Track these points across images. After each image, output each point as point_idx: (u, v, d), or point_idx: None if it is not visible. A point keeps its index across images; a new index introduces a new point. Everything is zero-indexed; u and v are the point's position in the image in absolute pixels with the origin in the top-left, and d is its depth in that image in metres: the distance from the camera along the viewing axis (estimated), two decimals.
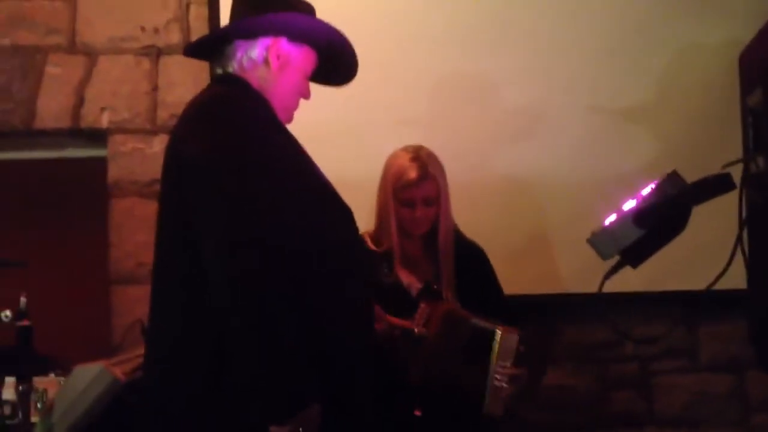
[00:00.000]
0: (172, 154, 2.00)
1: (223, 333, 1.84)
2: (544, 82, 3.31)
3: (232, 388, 1.84)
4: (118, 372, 2.25)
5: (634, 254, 1.58)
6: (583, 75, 3.31)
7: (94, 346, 3.20)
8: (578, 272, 3.21)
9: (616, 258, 1.68)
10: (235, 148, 1.90)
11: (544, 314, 3.31)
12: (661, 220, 1.54)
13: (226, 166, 1.87)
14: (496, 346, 2.47)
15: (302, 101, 2.20)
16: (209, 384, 1.87)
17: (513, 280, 3.02)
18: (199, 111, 2.02)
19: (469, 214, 2.88)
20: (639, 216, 1.55)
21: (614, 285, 3.12)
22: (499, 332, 2.47)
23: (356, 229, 2.13)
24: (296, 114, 2.21)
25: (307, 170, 2.05)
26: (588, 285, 2.85)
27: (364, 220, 2.70)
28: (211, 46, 2.16)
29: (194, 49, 2.23)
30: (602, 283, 1.62)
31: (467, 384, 2.48)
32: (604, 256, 1.66)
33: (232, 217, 1.84)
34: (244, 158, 1.89)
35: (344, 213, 2.08)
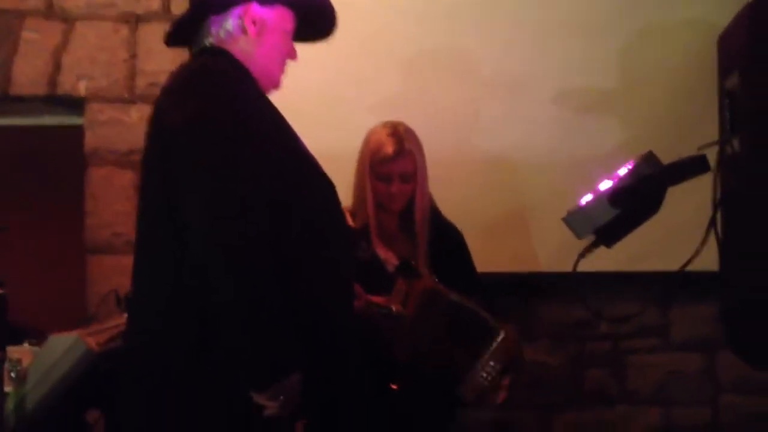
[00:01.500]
0: (154, 125, 1.99)
1: (205, 304, 1.84)
2: (525, 60, 3.31)
3: (214, 358, 1.85)
4: (93, 342, 2.24)
5: (608, 234, 1.60)
6: (563, 54, 3.31)
7: (69, 315, 3.18)
8: (554, 251, 3.23)
9: (591, 237, 1.69)
10: (216, 118, 1.89)
11: (520, 293, 3.33)
12: (636, 201, 1.55)
13: (208, 137, 1.87)
14: (494, 345, 2.50)
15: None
16: (192, 355, 1.88)
17: (490, 258, 3.04)
18: (180, 82, 2.01)
19: (446, 191, 2.88)
20: (614, 196, 1.56)
21: (589, 264, 3.17)
22: (503, 333, 2.50)
23: (338, 201, 2.13)
24: (281, 79, 2.18)
25: (289, 141, 2.04)
26: (564, 264, 2.85)
27: (342, 195, 2.71)
28: (188, 30, 2.13)
29: (173, 37, 2.19)
30: (577, 262, 1.63)
31: (445, 362, 2.50)
32: (579, 235, 1.67)
33: (213, 188, 1.83)
34: (226, 128, 1.88)
35: (326, 185, 2.09)
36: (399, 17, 3.32)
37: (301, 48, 2.22)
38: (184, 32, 2.15)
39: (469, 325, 2.51)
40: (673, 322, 3.40)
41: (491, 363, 2.49)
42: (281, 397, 1.83)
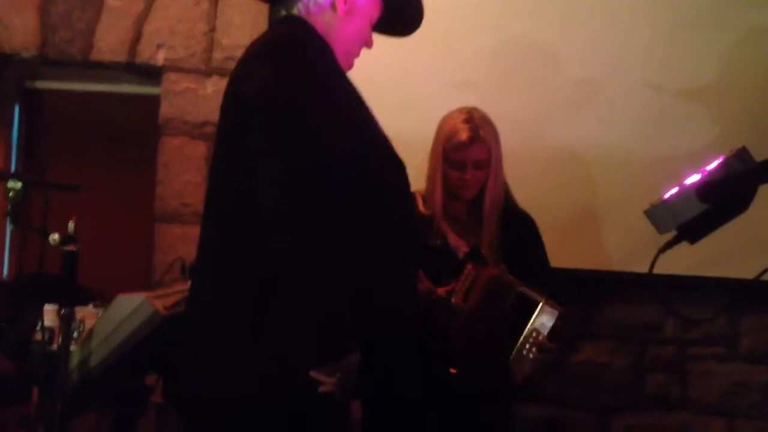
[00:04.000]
0: (231, 92, 1.97)
1: (272, 277, 1.83)
2: (607, 56, 3.25)
3: (273, 329, 1.83)
4: (159, 305, 2.25)
5: (693, 230, 1.54)
6: (646, 50, 3.24)
7: (135, 281, 3.22)
8: (626, 250, 3.17)
9: (672, 233, 1.64)
10: (296, 87, 1.87)
11: (587, 290, 3.27)
12: (726, 196, 1.49)
13: (287, 104, 1.85)
14: (534, 315, 2.43)
15: (364, 51, 2.17)
16: (253, 327, 1.86)
17: (561, 253, 2.99)
18: (261, 50, 2.00)
19: (521, 182, 2.83)
20: (703, 190, 1.50)
21: (662, 266, 3.13)
22: (541, 302, 2.43)
23: (408, 183, 2.11)
24: (354, 71, 2.18)
25: (366, 118, 2.03)
26: (635, 264, 2.84)
27: (414, 181, 2.68)
28: None
29: None
30: (655, 258, 1.57)
31: (503, 348, 2.45)
32: (661, 230, 1.61)
33: (291, 154, 1.82)
34: (306, 97, 1.86)
35: (399, 166, 2.06)
36: (484, 7, 3.29)
37: None
38: None
39: (521, 310, 2.46)
40: (743, 332, 3.31)
41: (534, 333, 2.42)
42: (338, 375, 1.81)
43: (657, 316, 3.29)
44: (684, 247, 3.06)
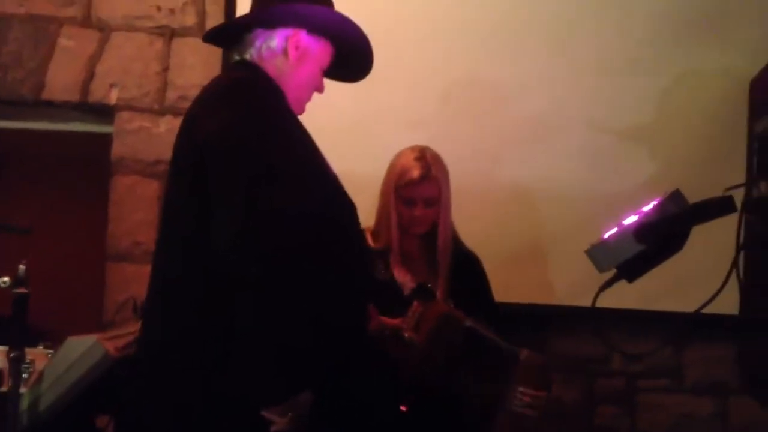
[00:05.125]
0: (188, 132, 2.00)
1: (223, 312, 1.85)
2: (555, 94, 3.34)
3: (226, 372, 1.85)
4: (111, 347, 2.25)
5: (631, 269, 1.60)
6: (593, 90, 3.34)
7: (86, 321, 3.20)
8: (572, 285, 3.23)
9: (612, 272, 1.70)
10: (253, 127, 1.91)
11: (535, 324, 3.33)
12: (661, 237, 1.56)
13: (245, 144, 1.88)
14: (517, 369, 2.48)
15: (315, 95, 2.22)
16: (203, 367, 1.88)
17: (508, 289, 3.05)
18: (217, 92, 2.03)
19: (469, 220, 2.90)
20: (639, 231, 1.56)
21: (606, 301, 3.20)
22: (524, 354, 2.48)
23: (358, 221, 2.15)
24: (306, 107, 2.23)
25: (317, 159, 2.07)
26: (580, 298, 2.90)
27: (366, 218, 2.73)
28: (230, 33, 2.17)
29: (213, 36, 2.24)
30: (596, 296, 1.63)
31: (458, 388, 2.49)
32: (600, 269, 1.67)
33: (248, 193, 1.84)
34: (262, 138, 1.90)
35: (348, 204, 2.10)
36: (432, 46, 3.36)
37: None
38: (225, 35, 2.19)
39: (483, 352, 2.50)
40: (687, 364, 3.38)
41: (520, 389, 2.47)
42: (290, 414, 1.83)
43: (604, 350, 3.35)
44: (626, 283, 3.17)
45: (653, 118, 3.32)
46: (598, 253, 1.62)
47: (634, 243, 1.57)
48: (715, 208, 1.55)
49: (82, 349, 2.23)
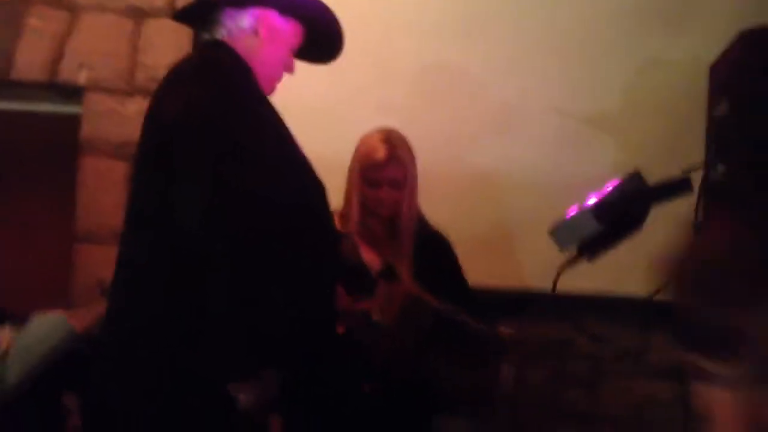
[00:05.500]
0: (153, 112, 2.00)
1: (189, 294, 1.85)
2: (523, 80, 3.36)
3: (192, 344, 1.86)
4: (77, 324, 2.25)
5: (591, 248, 1.63)
6: (560, 76, 3.36)
7: (54, 302, 3.18)
8: (540, 269, 3.23)
9: (574, 251, 1.72)
10: (219, 107, 1.91)
11: (501, 307, 3.35)
12: (620, 216, 1.58)
13: (210, 124, 1.88)
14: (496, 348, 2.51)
15: (285, 76, 2.23)
16: (169, 345, 1.89)
17: (475, 273, 3.07)
18: (184, 72, 2.03)
19: (436, 204, 2.91)
20: (598, 210, 1.59)
21: (572, 284, 3.24)
22: (508, 335, 2.52)
23: (327, 203, 2.16)
24: (275, 94, 2.23)
25: (287, 140, 2.07)
26: (547, 282, 2.93)
27: (336, 201, 2.74)
28: (200, 13, 2.17)
29: (183, 15, 2.24)
30: (558, 275, 1.66)
31: (427, 368, 2.51)
32: (562, 247, 1.70)
33: (216, 170, 1.84)
34: (229, 117, 1.90)
35: (320, 188, 2.11)
36: (402, 31, 3.36)
37: None
38: (195, 14, 2.19)
39: (454, 334, 2.52)
40: (652, 349, 3.43)
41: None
42: (257, 391, 1.84)
43: (570, 333, 3.39)
44: (594, 266, 3.21)
45: (619, 104, 3.35)
46: (560, 231, 1.65)
47: (593, 222, 1.59)
48: (672, 188, 1.58)
49: (48, 326, 2.23)
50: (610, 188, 1.62)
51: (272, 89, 2.19)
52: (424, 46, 3.37)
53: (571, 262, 1.64)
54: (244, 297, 1.83)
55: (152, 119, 2.00)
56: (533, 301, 3.32)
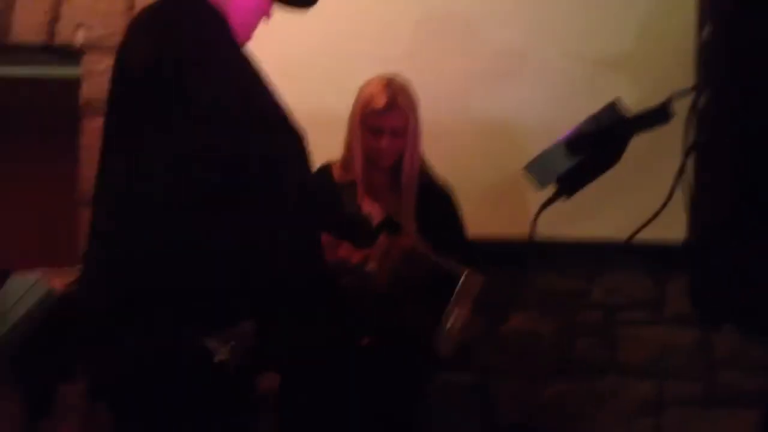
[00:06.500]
0: (116, 64, 1.94)
1: (159, 247, 1.81)
2: (528, 26, 3.26)
3: (164, 300, 1.82)
4: (58, 283, 2.21)
5: (567, 184, 1.53)
6: (565, 20, 3.25)
7: (59, 265, 3.18)
8: (549, 218, 3.17)
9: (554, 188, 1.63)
10: (182, 58, 1.84)
11: (514, 258, 3.28)
12: (594, 148, 1.49)
13: (172, 77, 1.82)
14: (459, 285, 2.42)
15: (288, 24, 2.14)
16: (140, 298, 1.84)
17: (485, 223, 3.00)
18: (145, 19, 1.96)
19: (444, 154, 2.85)
20: (572, 143, 1.50)
21: (585, 231, 3.16)
22: (465, 274, 2.42)
23: (305, 153, 2.08)
24: (274, 45, 2.17)
25: (260, 89, 2.00)
26: (560, 231, 2.86)
27: (335, 154, 2.68)
28: None
29: None
30: (538, 213, 1.57)
31: (421, 320, 2.45)
32: (540, 185, 1.61)
33: (178, 133, 1.80)
34: (188, 68, 1.83)
35: (297, 138, 2.04)
36: None
37: None
38: None
39: (447, 283, 2.45)
40: (668, 295, 3.33)
41: (459, 305, 2.41)
42: (232, 343, 1.80)
43: (583, 282, 3.30)
44: (608, 213, 3.11)
45: (632, 45, 3.23)
46: (535, 168, 1.57)
47: (567, 155, 1.50)
48: (650, 117, 1.49)
49: (26, 286, 2.20)
50: (585, 120, 1.53)
51: (249, 36, 2.11)
52: None
53: (550, 201, 1.55)
54: (214, 251, 1.78)
55: (117, 71, 1.94)
56: (543, 251, 3.24)
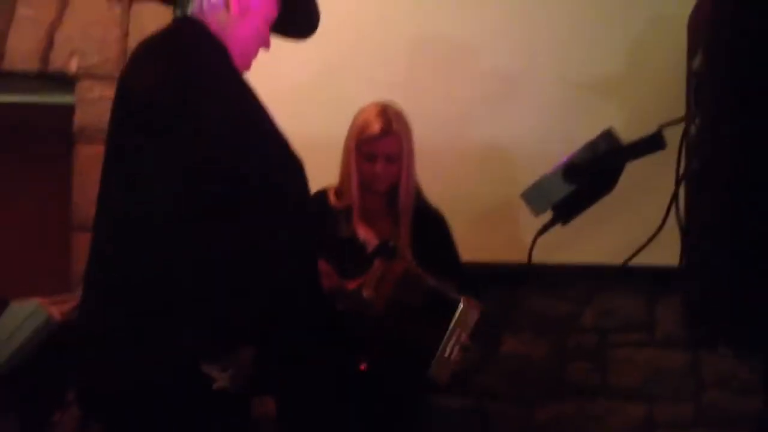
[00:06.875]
0: (118, 92, 1.96)
1: (159, 271, 1.82)
2: (521, 49, 3.29)
3: (164, 325, 1.83)
4: (55, 311, 2.22)
5: (564, 210, 1.56)
6: (558, 45, 3.29)
7: (51, 291, 3.17)
8: (544, 242, 3.20)
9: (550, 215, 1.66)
10: (181, 84, 1.87)
11: (506, 282, 3.30)
12: (590, 177, 1.52)
13: (171, 103, 1.84)
14: (456, 315, 2.43)
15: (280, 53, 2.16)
16: (139, 323, 1.85)
17: (479, 248, 3.02)
18: (147, 48, 1.99)
19: (438, 179, 2.87)
20: (567, 171, 1.53)
21: (580, 256, 3.18)
22: (462, 303, 2.43)
23: (305, 180, 2.10)
24: (273, 72, 2.20)
25: (259, 118, 2.02)
26: (553, 256, 2.88)
27: (331, 178, 2.70)
28: None
29: None
30: (535, 240, 1.60)
31: (418, 345, 2.46)
32: (537, 211, 1.64)
33: (174, 154, 1.81)
34: (191, 95, 1.85)
35: (295, 165, 2.06)
36: (398, 5, 3.31)
37: None
38: None
39: (436, 306, 2.47)
40: (659, 317, 3.36)
41: (456, 334, 2.42)
42: (230, 370, 1.81)
43: (575, 306, 3.33)
44: (602, 237, 3.12)
45: (623, 69, 3.27)
46: (532, 195, 1.59)
47: (564, 183, 1.53)
48: (644, 144, 1.52)
49: (24, 314, 2.20)
50: (580, 148, 1.56)
51: (248, 65, 2.14)
52: (420, 17, 3.31)
53: (546, 228, 1.58)
54: (213, 277, 1.80)
55: (116, 99, 1.96)
56: (536, 275, 3.26)
